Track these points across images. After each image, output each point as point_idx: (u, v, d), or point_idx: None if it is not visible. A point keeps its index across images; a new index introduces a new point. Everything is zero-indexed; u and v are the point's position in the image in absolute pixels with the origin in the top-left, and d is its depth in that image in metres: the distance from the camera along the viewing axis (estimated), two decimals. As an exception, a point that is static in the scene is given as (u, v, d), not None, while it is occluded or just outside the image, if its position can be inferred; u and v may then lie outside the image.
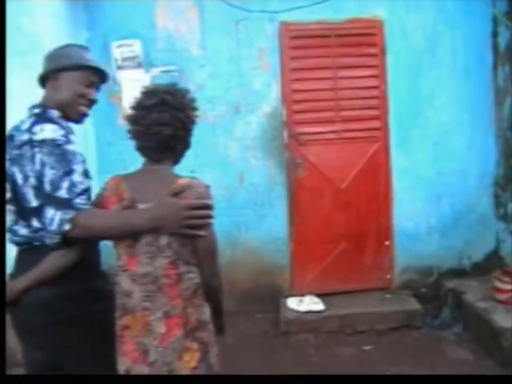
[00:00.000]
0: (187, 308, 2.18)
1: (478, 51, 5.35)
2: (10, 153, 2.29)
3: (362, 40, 5.24)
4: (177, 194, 2.11)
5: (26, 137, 2.24)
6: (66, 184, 2.14)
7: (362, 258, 5.30)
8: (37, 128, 2.23)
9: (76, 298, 2.26)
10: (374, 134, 5.29)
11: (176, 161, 2.34)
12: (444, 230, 5.44)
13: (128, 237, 2.15)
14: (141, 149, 2.27)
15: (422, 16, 5.27)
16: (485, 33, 5.35)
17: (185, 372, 2.16)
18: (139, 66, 5.23)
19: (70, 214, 2.11)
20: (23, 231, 2.28)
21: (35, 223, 2.22)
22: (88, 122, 5.24)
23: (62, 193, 2.13)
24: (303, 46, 5.21)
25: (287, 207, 5.32)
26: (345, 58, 5.21)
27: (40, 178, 2.16)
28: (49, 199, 2.14)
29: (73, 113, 2.43)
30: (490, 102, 5.39)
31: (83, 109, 2.48)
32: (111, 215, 2.18)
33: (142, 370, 2.16)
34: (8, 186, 2.30)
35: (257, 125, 5.26)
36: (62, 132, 2.24)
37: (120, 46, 5.21)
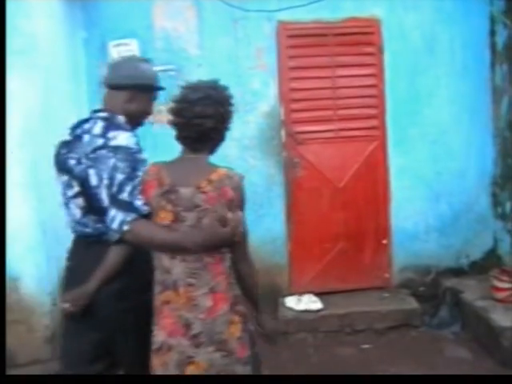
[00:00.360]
0: (228, 285, 2.39)
1: (476, 50, 5.35)
2: (80, 152, 2.49)
3: (360, 39, 5.24)
4: (216, 184, 2.32)
5: (100, 141, 2.44)
6: (129, 188, 2.37)
7: (360, 258, 5.30)
8: (111, 134, 2.45)
9: (140, 289, 2.46)
10: (371, 132, 5.29)
11: (212, 151, 2.52)
12: (442, 229, 5.44)
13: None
14: (182, 138, 2.42)
15: (420, 15, 5.28)
16: (482, 32, 5.35)
17: (233, 341, 2.36)
18: (137, 65, 5.22)
19: (130, 217, 2.34)
20: (93, 225, 2.51)
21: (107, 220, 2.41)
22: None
23: (125, 195, 2.36)
24: (301, 45, 5.21)
25: (285, 207, 5.32)
26: (342, 57, 5.21)
27: (111, 180, 2.38)
28: (113, 200, 2.37)
29: (137, 123, 2.68)
30: (487, 100, 5.39)
31: (144, 120, 2.75)
32: (165, 232, 2.34)
33: (180, 342, 2.32)
34: (76, 183, 2.50)
35: (255, 124, 5.26)
36: (134, 140, 2.47)
37: (117, 45, 5.19)
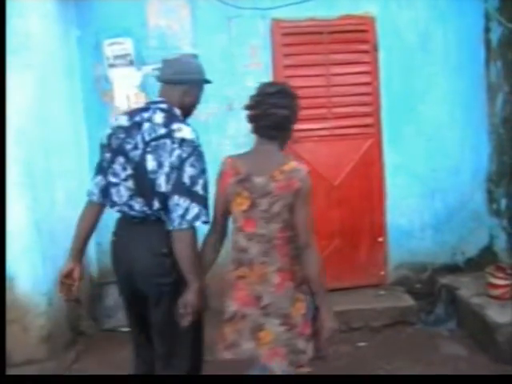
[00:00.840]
0: (294, 265, 2.71)
1: (471, 47, 5.36)
2: (138, 138, 2.73)
3: (354, 37, 5.24)
4: (286, 174, 2.62)
5: (163, 130, 2.69)
6: (201, 181, 2.64)
7: (355, 255, 5.30)
8: (175, 126, 2.69)
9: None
10: (366, 130, 5.29)
11: (283, 143, 2.83)
12: (437, 226, 5.45)
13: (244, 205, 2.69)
14: (259, 128, 2.77)
15: (414, 12, 5.28)
16: (477, 29, 5.35)
17: (297, 317, 2.68)
18: (131, 63, 5.22)
19: (204, 215, 2.64)
20: (140, 207, 2.72)
21: (156, 203, 2.66)
22: (80, 120, 5.26)
23: (198, 188, 2.62)
24: (295, 42, 5.21)
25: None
26: (337, 55, 5.21)
27: (178, 170, 2.61)
28: (185, 191, 2.60)
29: (189, 113, 2.94)
30: (482, 97, 5.40)
31: (194, 111, 3.00)
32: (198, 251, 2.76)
33: (251, 311, 2.70)
34: (130, 166, 2.72)
35: (250, 122, 5.26)
36: (195, 135, 2.72)
37: (112, 44, 5.19)
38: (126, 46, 5.19)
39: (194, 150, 2.66)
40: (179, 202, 2.59)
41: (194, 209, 2.60)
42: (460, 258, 5.51)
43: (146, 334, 2.97)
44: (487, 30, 5.32)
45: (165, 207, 2.66)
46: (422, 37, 5.31)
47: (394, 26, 5.27)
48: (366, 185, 5.28)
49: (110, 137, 2.85)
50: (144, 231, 2.74)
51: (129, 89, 5.23)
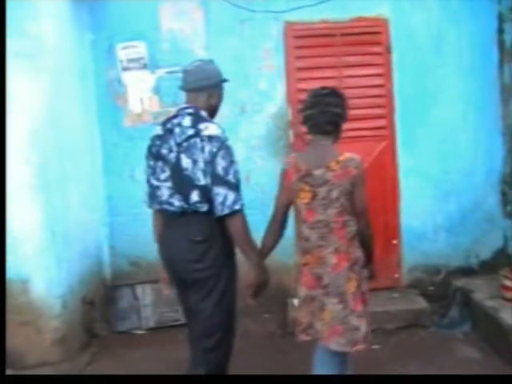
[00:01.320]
0: (349, 247, 3.02)
1: (484, 48, 5.34)
2: (172, 142, 3.04)
3: (367, 39, 5.24)
4: (342, 164, 2.96)
5: (191, 131, 2.99)
6: (232, 171, 2.94)
7: (369, 257, 5.28)
8: (201, 125, 2.99)
9: (229, 254, 3.10)
10: (380, 132, 5.28)
11: (335, 138, 3.14)
12: (451, 229, 5.43)
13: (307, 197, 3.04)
14: (316, 125, 3.08)
15: (427, 14, 5.27)
16: (490, 30, 5.33)
17: (349, 295, 2.98)
18: (144, 67, 5.24)
19: (239, 197, 2.94)
20: (179, 203, 3.01)
21: (193, 197, 2.96)
22: (93, 123, 5.29)
23: (231, 177, 2.93)
24: (308, 45, 5.21)
25: (293, 207, 5.31)
26: (350, 57, 5.21)
27: (212, 164, 2.91)
28: (222, 181, 2.91)
29: (214, 113, 3.27)
30: (495, 99, 5.38)
31: (219, 109, 3.34)
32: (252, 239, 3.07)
33: (317, 292, 3.02)
34: (168, 168, 3.04)
35: (262, 125, 5.26)
36: (221, 130, 3.04)
37: (125, 47, 5.22)
38: (140, 49, 5.22)
39: (222, 144, 2.96)
40: (218, 192, 2.91)
41: (231, 196, 2.91)
42: (474, 260, 5.49)
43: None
44: (500, 31, 5.30)
45: (203, 199, 2.96)
46: (434, 38, 5.29)
47: (407, 27, 5.26)
48: (379, 187, 5.25)
49: (150, 147, 3.18)
50: (183, 222, 3.04)
51: (142, 92, 5.26)
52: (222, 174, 2.92)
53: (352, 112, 5.15)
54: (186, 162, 2.97)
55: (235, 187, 2.96)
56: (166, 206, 3.09)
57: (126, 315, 5.18)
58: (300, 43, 5.22)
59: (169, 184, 3.05)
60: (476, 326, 4.72)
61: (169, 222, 3.15)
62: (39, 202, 4.29)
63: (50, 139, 4.40)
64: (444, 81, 5.32)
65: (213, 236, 3.02)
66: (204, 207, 2.98)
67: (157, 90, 5.25)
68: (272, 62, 5.26)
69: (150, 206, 3.25)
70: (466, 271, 5.41)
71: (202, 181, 2.94)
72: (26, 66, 4.18)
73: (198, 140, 2.96)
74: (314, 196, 3.01)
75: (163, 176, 3.08)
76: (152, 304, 5.20)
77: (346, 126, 5.15)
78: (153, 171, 3.14)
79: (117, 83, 5.27)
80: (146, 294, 5.20)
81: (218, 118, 5.09)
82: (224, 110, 4.73)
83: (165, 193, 3.07)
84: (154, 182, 3.13)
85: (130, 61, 5.24)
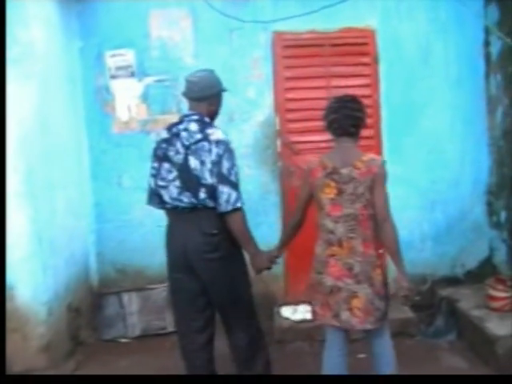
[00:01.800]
0: (375, 237, 3.31)
1: (471, 60, 5.39)
2: (178, 145, 3.36)
3: (355, 49, 5.27)
4: (366, 163, 3.24)
5: (199, 136, 3.34)
6: (234, 172, 3.33)
7: (355, 267, 5.29)
8: (209, 131, 3.35)
9: (231, 242, 3.42)
10: (367, 142, 5.26)
11: (357, 140, 3.43)
12: (437, 238, 5.46)
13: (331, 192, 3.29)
14: (340, 128, 3.37)
15: (415, 25, 5.31)
16: (477, 42, 5.38)
17: (376, 280, 3.30)
18: (132, 75, 5.25)
19: (240, 196, 3.33)
20: (188, 199, 3.33)
21: (202, 194, 3.30)
22: (81, 129, 5.29)
23: (233, 178, 3.31)
24: (296, 55, 5.24)
25: (281, 215, 5.33)
26: (338, 67, 5.24)
27: (218, 165, 3.28)
28: (226, 181, 3.28)
29: (214, 118, 3.55)
30: (482, 110, 5.42)
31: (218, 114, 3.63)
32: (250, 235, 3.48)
33: (346, 282, 3.26)
34: (175, 169, 3.36)
35: (250, 133, 5.28)
36: (225, 135, 3.40)
37: (113, 55, 5.23)
38: (128, 57, 5.23)
39: (227, 148, 3.33)
40: (223, 190, 3.27)
41: (234, 194, 3.29)
42: (460, 270, 5.52)
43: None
44: (487, 43, 5.35)
45: (210, 196, 3.30)
46: (422, 50, 5.34)
47: (395, 38, 5.30)
48: (366, 196, 5.27)
49: (155, 150, 3.49)
50: (194, 217, 3.36)
51: (130, 100, 5.26)
52: (226, 174, 3.28)
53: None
54: (194, 162, 3.31)
55: (236, 186, 3.33)
56: (177, 203, 3.39)
57: (112, 323, 5.15)
58: (288, 53, 5.25)
59: (177, 183, 3.36)
60: (462, 335, 4.74)
61: (179, 216, 3.44)
62: (26, 208, 4.27)
63: (38, 145, 4.39)
64: (431, 92, 5.36)
65: (223, 229, 3.35)
66: (211, 203, 3.31)
67: (145, 98, 5.25)
68: (260, 71, 5.28)
69: (149, 203, 3.56)
70: (452, 281, 5.44)
71: (209, 180, 3.28)
72: (14, 72, 4.18)
73: (206, 143, 3.30)
74: (340, 192, 3.26)
75: (171, 176, 3.39)
76: (138, 312, 5.18)
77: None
78: (157, 172, 3.44)
79: (105, 90, 5.27)
80: (132, 301, 5.19)
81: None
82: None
83: (174, 191, 3.38)
84: (160, 183, 3.43)
85: (118, 68, 5.24)
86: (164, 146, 3.42)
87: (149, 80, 5.23)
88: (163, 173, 3.41)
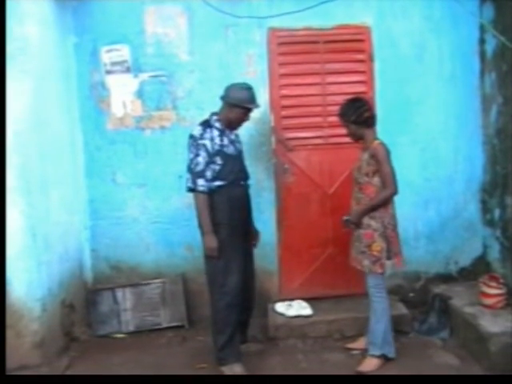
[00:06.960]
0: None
1: (465, 58, 5.40)
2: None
3: (350, 46, 5.27)
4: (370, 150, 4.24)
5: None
6: (194, 162, 4.11)
7: (349, 263, 5.30)
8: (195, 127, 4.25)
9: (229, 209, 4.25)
10: (361, 139, 5.30)
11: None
12: (431, 236, 5.48)
13: None
14: (375, 121, 4.31)
15: (410, 23, 5.32)
16: (472, 40, 5.39)
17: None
18: (128, 70, 5.24)
19: (194, 180, 4.10)
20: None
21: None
22: (76, 126, 5.27)
23: (192, 166, 4.12)
24: (291, 51, 5.24)
25: (275, 212, 5.33)
26: (333, 64, 5.24)
27: (189, 157, 4.16)
28: (188, 168, 4.17)
29: (231, 127, 4.33)
30: (476, 108, 5.44)
31: (237, 127, 4.39)
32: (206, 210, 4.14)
33: (398, 248, 4.38)
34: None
35: (245, 130, 5.25)
36: (200, 131, 4.16)
37: (109, 50, 5.22)
38: (123, 52, 5.22)
39: (194, 142, 4.14)
40: (186, 176, 4.22)
41: (190, 178, 4.16)
42: (453, 267, 5.54)
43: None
44: (482, 41, 5.36)
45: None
46: (417, 47, 5.34)
47: (390, 36, 5.30)
48: (360, 194, 5.28)
49: None
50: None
51: (125, 95, 5.25)
52: (188, 164, 4.18)
53: (334, 119, 5.22)
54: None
55: (194, 173, 4.12)
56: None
57: (106, 319, 5.16)
58: (283, 50, 5.25)
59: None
60: (454, 332, 4.76)
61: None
62: (20, 205, 4.27)
63: (32, 141, 4.39)
64: (425, 89, 5.37)
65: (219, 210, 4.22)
66: None
67: (140, 94, 5.24)
68: (255, 67, 5.28)
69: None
70: (446, 278, 5.47)
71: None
72: (9, 68, 4.17)
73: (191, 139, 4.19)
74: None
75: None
76: (132, 308, 5.19)
77: (327, 132, 5.30)
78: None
79: (100, 86, 5.26)
80: (126, 297, 5.19)
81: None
82: (206, 115, 4.80)
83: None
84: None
85: (114, 64, 5.23)
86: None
87: (144, 76, 5.22)
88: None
